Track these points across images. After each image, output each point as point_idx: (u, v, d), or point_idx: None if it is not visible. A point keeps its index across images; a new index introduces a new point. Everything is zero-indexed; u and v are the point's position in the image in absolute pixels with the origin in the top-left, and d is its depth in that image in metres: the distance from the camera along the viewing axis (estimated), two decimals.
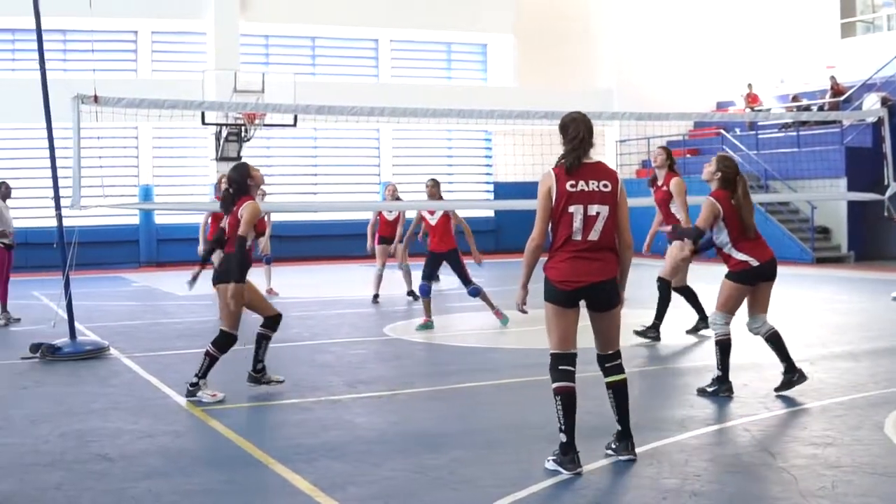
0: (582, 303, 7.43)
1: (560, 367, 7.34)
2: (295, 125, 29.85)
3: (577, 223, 7.29)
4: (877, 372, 11.28)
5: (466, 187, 37.18)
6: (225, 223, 10.39)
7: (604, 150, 36.67)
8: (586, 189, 7.32)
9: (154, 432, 8.79)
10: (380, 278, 19.83)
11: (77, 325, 13.80)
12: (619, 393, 7.54)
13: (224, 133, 31.10)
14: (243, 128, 30.77)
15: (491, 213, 35.64)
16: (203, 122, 29.38)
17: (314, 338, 14.84)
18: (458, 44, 38.02)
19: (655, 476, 7.10)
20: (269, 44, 35.40)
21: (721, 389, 9.86)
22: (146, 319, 17.60)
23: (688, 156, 35.43)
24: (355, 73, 36.42)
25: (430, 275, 15.63)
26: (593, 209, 7.30)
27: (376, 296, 19.64)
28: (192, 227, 32.49)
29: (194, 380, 10.18)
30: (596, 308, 7.44)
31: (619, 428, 7.55)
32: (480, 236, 34.40)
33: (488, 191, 37.16)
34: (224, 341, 10.20)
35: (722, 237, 9.89)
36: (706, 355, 12.46)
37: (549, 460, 7.31)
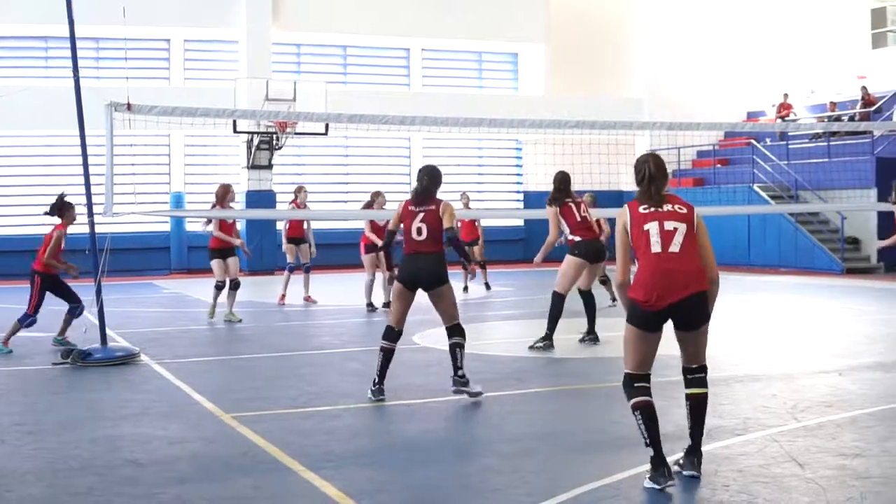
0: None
1: (636, 385, 7.21)
2: (326, 133, 30.00)
3: (654, 237, 7.19)
4: None
5: (496, 196, 37.24)
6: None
7: (634, 160, 36.64)
8: (660, 210, 7.30)
9: (184, 438, 8.84)
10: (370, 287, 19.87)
11: (108, 331, 13.89)
12: (697, 406, 7.36)
13: (256, 141, 31.26)
14: (275, 136, 30.92)
15: (520, 223, 35.67)
16: (235, 131, 29.53)
17: (344, 345, 14.89)
18: (489, 53, 38.04)
19: (685, 486, 7.10)
20: (301, 52, 35.52)
21: None
22: (177, 326, 17.69)
23: (718, 166, 35.39)
24: (387, 82, 36.52)
25: None
26: (669, 224, 7.23)
27: (370, 304, 19.70)
28: None
29: (461, 373, 10.62)
30: (683, 327, 7.27)
31: (690, 443, 7.39)
32: (510, 245, 34.61)
33: (518, 200, 37.18)
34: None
35: None
36: (733, 366, 12.44)
37: (646, 479, 7.13)
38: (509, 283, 25.56)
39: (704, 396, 7.40)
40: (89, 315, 14.30)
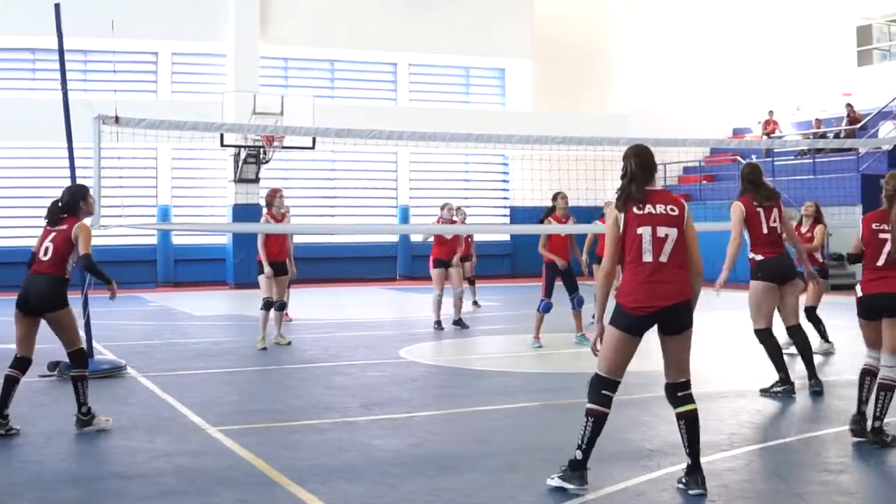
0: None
1: (602, 391, 7.24)
2: (313, 147, 29.99)
3: (647, 244, 7.20)
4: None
5: (483, 211, 37.21)
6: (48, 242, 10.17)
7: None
8: (654, 212, 7.27)
9: (170, 451, 8.83)
10: (439, 303, 18.76)
11: (95, 344, 13.87)
12: (690, 424, 7.31)
13: (243, 155, 31.28)
14: (262, 150, 30.95)
15: (507, 238, 35.65)
16: (222, 144, 29.55)
17: (330, 359, 14.88)
18: (476, 68, 38.13)
19: (669, 501, 7.12)
20: (289, 66, 35.55)
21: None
22: (163, 339, 17.66)
23: (704, 182, 35.47)
24: (374, 97, 36.54)
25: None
26: (662, 231, 7.23)
27: (438, 322, 18.62)
28: (208, 248, 32.70)
29: (84, 409, 9.75)
30: (668, 331, 7.28)
31: (689, 461, 7.31)
32: (496, 260, 34.60)
33: (504, 215, 37.19)
34: (83, 358, 9.94)
35: None
36: (718, 382, 12.46)
37: (552, 478, 7.30)
38: (496, 299, 25.55)
39: (695, 412, 7.34)
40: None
